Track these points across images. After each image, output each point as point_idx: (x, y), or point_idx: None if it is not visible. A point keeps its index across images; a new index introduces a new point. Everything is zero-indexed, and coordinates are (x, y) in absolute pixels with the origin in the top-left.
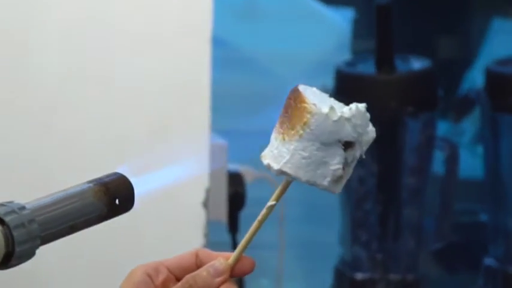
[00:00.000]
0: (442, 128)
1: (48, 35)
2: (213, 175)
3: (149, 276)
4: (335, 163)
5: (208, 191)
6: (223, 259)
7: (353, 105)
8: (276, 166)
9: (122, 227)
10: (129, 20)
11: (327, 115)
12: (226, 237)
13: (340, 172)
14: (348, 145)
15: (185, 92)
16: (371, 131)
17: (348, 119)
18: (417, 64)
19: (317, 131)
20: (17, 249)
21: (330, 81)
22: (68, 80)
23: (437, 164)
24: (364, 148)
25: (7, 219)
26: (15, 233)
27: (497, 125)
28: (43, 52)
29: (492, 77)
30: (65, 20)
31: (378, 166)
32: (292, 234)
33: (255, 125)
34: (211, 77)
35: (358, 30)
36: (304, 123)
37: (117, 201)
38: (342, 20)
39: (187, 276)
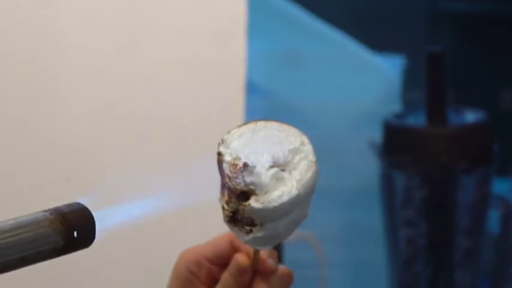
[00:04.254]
0: (503, 187)
1: (76, 70)
2: None
3: (193, 273)
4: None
5: None
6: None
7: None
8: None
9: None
10: (161, 68)
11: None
12: None
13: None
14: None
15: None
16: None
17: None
18: (471, 116)
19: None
20: None
21: (377, 134)
22: (102, 121)
23: (493, 223)
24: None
25: None
26: None
27: None
28: (70, 87)
29: None
30: (95, 51)
31: (428, 226)
32: None
33: None
34: None
35: (409, 79)
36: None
37: (75, 234)
38: (391, 68)
39: (223, 279)
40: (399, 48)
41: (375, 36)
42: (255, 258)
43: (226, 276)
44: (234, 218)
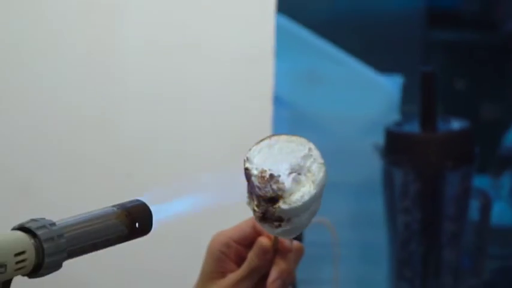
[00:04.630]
0: (483, 182)
1: (131, 100)
2: None
3: (223, 252)
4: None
5: None
6: (262, 242)
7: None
8: None
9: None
10: (202, 86)
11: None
12: None
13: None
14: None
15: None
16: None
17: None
18: (457, 125)
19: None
20: (46, 260)
21: (380, 139)
22: (149, 134)
23: (474, 211)
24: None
25: (39, 232)
26: (45, 246)
27: None
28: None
29: None
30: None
31: (421, 213)
32: (346, 272)
33: None
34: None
35: (407, 94)
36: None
37: (137, 225)
38: (392, 85)
39: (249, 258)
40: (399, 69)
41: (379, 59)
42: (275, 240)
43: (251, 255)
44: (264, 217)
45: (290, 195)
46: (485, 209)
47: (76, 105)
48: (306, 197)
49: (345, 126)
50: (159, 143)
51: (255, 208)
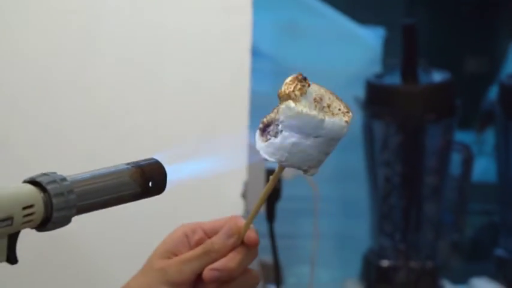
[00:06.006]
0: (467, 138)
1: (108, 51)
2: (251, 170)
3: (186, 236)
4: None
5: (246, 184)
6: (235, 223)
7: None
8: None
9: (164, 214)
10: (179, 35)
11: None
12: (264, 225)
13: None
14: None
15: (227, 96)
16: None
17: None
18: (438, 76)
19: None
20: (55, 215)
21: (362, 93)
22: (125, 85)
23: (455, 165)
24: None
25: (49, 187)
26: (54, 201)
27: (508, 131)
28: (102, 66)
29: (505, 89)
30: (122, 37)
31: (402, 166)
32: (327, 227)
33: None
34: (251, 84)
35: (389, 47)
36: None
37: (150, 184)
38: (374, 38)
39: (208, 241)
40: (381, 22)
41: (361, 12)
42: (245, 230)
43: (213, 238)
44: (264, 130)
45: (303, 106)
46: (467, 163)
47: (52, 53)
48: (313, 114)
49: (325, 80)
50: (135, 94)
51: (264, 119)
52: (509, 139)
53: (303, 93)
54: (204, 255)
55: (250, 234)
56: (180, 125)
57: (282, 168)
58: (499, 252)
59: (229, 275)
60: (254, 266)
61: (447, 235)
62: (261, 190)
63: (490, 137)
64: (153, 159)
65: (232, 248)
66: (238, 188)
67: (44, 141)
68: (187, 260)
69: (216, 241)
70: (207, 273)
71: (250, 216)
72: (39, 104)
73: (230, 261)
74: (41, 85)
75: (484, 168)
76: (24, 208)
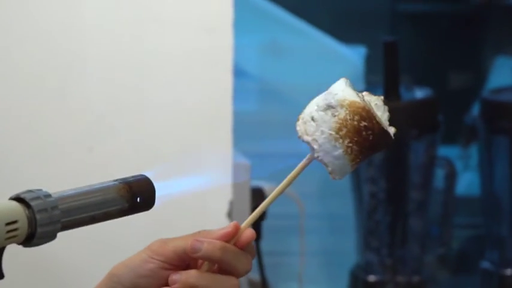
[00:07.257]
0: (451, 152)
1: (91, 72)
2: (237, 189)
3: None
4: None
5: (232, 203)
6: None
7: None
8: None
9: (152, 232)
10: (161, 56)
11: None
12: None
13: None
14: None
15: (210, 116)
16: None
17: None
18: (420, 93)
19: None
20: (39, 230)
21: None
22: (108, 106)
23: (439, 180)
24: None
25: (32, 203)
26: (38, 216)
27: (491, 146)
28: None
29: (486, 104)
30: (105, 60)
31: (387, 182)
32: (313, 243)
33: (279, 148)
34: (234, 103)
35: (371, 64)
36: None
37: (138, 199)
38: (356, 56)
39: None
40: (363, 40)
41: (344, 31)
42: (241, 230)
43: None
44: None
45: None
46: (451, 177)
47: (36, 75)
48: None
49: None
50: (119, 115)
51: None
52: (492, 153)
53: None
54: (191, 236)
55: (246, 230)
56: (164, 145)
57: (311, 159)
58: (485, 264)
59: (212, 250)
60: (242, 284)
61: (433, 249)
62: (247, 209)
63: (475, 151)
64: (141, 175)
65: (223, 237)
66: (224, 207)
67: (29, 164)
68: (172, 239)
69: (208, 230)
70: (191, 242)
71: (251, 217)
72: (25, 128)
73: (218, 239)
74: (26, 108)
75: (469, 183)
76: (8, 224)
